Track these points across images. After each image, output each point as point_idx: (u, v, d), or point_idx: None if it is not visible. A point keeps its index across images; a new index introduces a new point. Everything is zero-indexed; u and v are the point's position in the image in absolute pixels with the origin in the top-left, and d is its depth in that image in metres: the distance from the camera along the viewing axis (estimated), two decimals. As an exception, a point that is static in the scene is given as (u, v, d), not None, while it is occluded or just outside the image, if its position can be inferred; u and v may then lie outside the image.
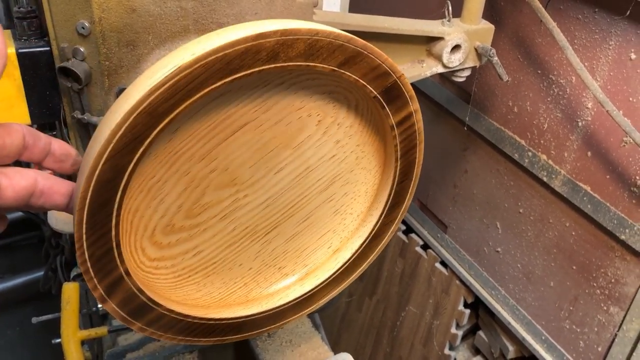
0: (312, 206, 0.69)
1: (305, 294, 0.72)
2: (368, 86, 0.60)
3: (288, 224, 0.68)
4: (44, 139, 0.52)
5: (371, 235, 0.73)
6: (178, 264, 0.62)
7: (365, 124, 0.66)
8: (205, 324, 0.65)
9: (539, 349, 1.36)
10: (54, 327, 1.23)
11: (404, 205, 0.74)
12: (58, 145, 0.54)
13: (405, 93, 0.63)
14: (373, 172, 0.71)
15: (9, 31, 0.68)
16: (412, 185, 0.72)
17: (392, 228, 0.75)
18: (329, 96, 0.62)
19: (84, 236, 0.51)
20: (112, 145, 0.48)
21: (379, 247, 0.76)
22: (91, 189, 0.49)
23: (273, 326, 0.73)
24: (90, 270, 0.53)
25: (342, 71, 0.57)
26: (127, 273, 0.56)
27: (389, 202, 0.72)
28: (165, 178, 0.56)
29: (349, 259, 0.74)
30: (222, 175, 0.60)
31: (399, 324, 1.82)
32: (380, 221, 0.73)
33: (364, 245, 0.74)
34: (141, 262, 0.59)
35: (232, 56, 0.50)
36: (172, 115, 0.50)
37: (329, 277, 0.73)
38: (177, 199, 0.58)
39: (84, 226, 0.51)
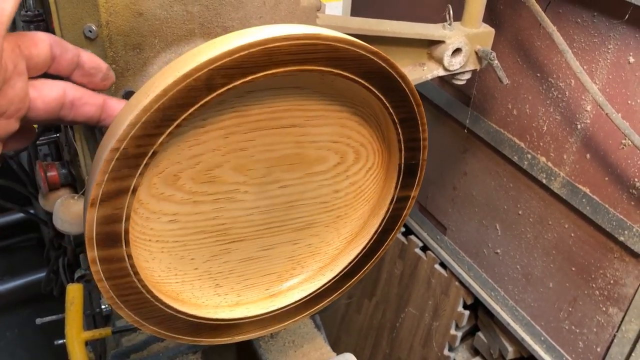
0: (278, 240, 0.69)
1: (232, 321, 0.70)
2: (399, 150, 0.66)
3: (251, 243, 0.67)
4: (72, 50, 0.51)
5: (309, 296, 0.74)
6: (153, 221, 0.60)
7: (370, 184, 0.70)
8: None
9: (538, 349, 1.37)
10: (54, 329, 1.23)
11: (355, 278, 0.76)
12: (87, 57, 0.53)
13: (418, 175, 0.69)
14: (341, 237, 0.73)
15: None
16: (370, 263, 0.76)
17: (334, 295, 0.76)
18: (361, 147, 0.66)
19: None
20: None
21: (309, 311, 0.76)
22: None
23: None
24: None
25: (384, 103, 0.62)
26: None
27: (342, 272, 0.74)
28: (208, 129, 0.56)
29: (285, 306, 0.73)
30: (244, 159, 0.60)
31: (398, 326, 1.83)
32: (324, 287, 0.74)
33: (301, 301, 0.74)
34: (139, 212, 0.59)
35: (294, 49, 0.52)
36: (249, 77, 0.52)
37: (258, 315, 0.71)
38: (200, 155, 0.58)
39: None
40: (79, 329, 0.98)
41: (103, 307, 1.04)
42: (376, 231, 0.72)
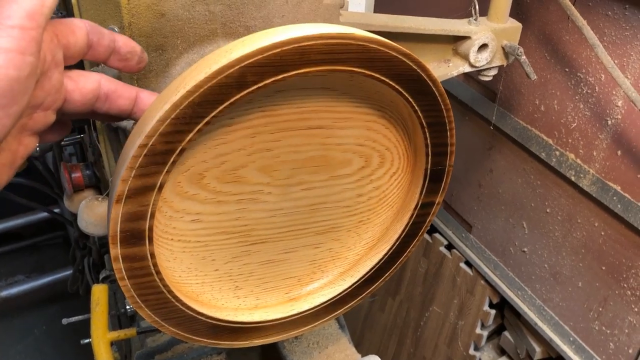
0: (300, 243, 0.68)
1: (252, 324, 0.70)
2: (426, 155, 0.65)
3: (273, 246, 0.66)
4: (107, 35, 0.51)
5: (329, 302, 0.73)
6: (176, 220, 0.60)
7: (394, 189, 0.69)
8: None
9: (567, 350, 1.34)
10: (80, 327, 1.24)
11: (375, 285, 0.75)
12: (123, 42, 0.52)
13: (444, 181, 0.67)
14: (363, 242, 0.71)
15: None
16: (391, 270, 0.75)
17: (354, 301, 0.75)
18: (387, 152, 0.65)
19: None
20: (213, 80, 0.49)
21: (325, 319, 0.75)
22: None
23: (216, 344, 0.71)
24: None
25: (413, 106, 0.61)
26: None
27: (363, 278, 0.73)
28: (236, 127, 0.56)
29: (304, 311, 0.72)
30: (270, 160, 0.59)
31: (422, 324, 1.81)
32: (345, 292, 0.73)
33: (321, 306, 0.73)
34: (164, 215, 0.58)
35: (331, 47, 0.52)
36: (281, 76, 0.51)
37: (277, 319, 0.70)
38: (226, 154, 0.57)
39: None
40: (104, 329, 0.99)
41: (128, 307, 1.04)
42: (399, 237, 0.71)
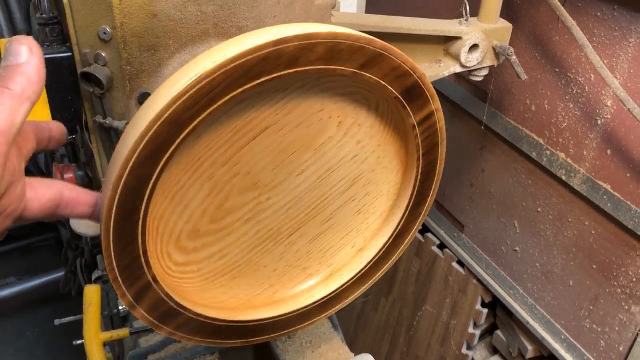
0: (335, 207, 0.69)
1: (331, 294, 0.72)
2: (389, 87, 0.60)
3: (311, 225, 0.68)
4: (44, 127, 0.54)
5: (395, 233, 0.73)
6: (204, 268, 0.63)
7: (387, 124, 0.66)
8: (232, 326, 0.65)
9: (558, 348, 1.35)
10: (73, 329, 1.24)
11: (427, 203, 0.74)
12: (56, 128, 0.56)
13: (427, 92, 0.63)
14: (395, 171, 0.71)
15: (31, 37, 0.68)
16: (435, 183, 0.72)
17: (416, 225, 0.75)
18: (349, 98, 0.62)
19: (112, 245, 0.51)
20: (136, 155, 0.49)
21: (404, 245, 0.76)
22: (117, 199, 0.50)
23: (299, 327, 0.73)
24: (119, 277, 0.53)
25: (363, 73, 0.57)
26: (155, 280, 0.56)
27: (412, 201, 0.72)
28: (189, 184, 0.57)
29: (373, 258, 0.74)
30: (245, 179, 0.60)
31: (415, 324, 1.81)
32: (403, 219, 0.73)
33: (388, 244, 0.73)
34: (168, 268, 0.60)
35: (253, 63, 0.50)
36: (194, 123, 0.50)
37: (354, 276, 0.73)
38: (202, 204, 0.58)
39: (111, 235, 0.51)
40: (97, 330, 0.98)
41: (121, 308, 1.04)
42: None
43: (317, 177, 0.65)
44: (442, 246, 1.70)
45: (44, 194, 0.50)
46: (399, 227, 0.73)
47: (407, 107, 0.62)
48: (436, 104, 0.64)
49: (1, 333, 2.32)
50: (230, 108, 0.54)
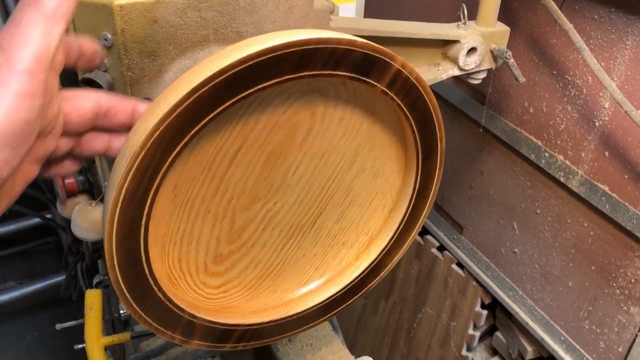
0: (348, 181, 0.67)
1: (372, 263, 0.73)
2: (336, 73, 0.55)
3: (331, 206, 0.68)
4: (73, 42, 0.50)
5: (416, 187, 0.71)
6: (244, 279, 0.63)
7: (360, 97, 0.63)
8: (288, 320, 0.67)
9: (558, 349, 1.35)
10: (73, 333, 1.24)
11: (438, 154, 0.72)
12: (87, 45, 0.51)
13: (380, 56, 0.57)
14: (392, 131, 0.67)
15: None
16: (435, 131, 0.69)
17: (435, 184, 0.73)
18: (308, 93, 0.59)
19: (137, 308, 0.53)
20: (114, 231, 0.48)
21: (429, 201, 0.74)
22: (120, 281, 0.51)
23: (353, 299, 0.75)
24: (159, 328, 0.55)
25: (302, 74, 0.53)
26: (193, 316, 0.57)
27: (420, 155, 0.69)
28: (190, 225, 0.57)
29: (404, 215, 0.72)
30: (242, 198, 0.60)
31: (415, 326, 1.82)
32: (419, 173, 0.70)
33: (413, 199, 0.71)
34: (209, 294, 0.60)
35: (204, 96, 0.49)
36: (159, 176, 0.49)
37: (391, 238, 0.73)
38: (212, 235, 0.59)
39: (134, 304, 0.53)
40: (98, 334, 0.99)
41: (122, 312, 1.05)
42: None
43: (315, 167, 0.64)
44: (442, 248, 1.70)
45: (82, 105, 0.49)
46: (418, 183, 0.70)
47: (368, 80, 0.58)
48: (399, 61, 0.58)
49: (1, 337, 2.32)
50: (193, 147, 0.53)
